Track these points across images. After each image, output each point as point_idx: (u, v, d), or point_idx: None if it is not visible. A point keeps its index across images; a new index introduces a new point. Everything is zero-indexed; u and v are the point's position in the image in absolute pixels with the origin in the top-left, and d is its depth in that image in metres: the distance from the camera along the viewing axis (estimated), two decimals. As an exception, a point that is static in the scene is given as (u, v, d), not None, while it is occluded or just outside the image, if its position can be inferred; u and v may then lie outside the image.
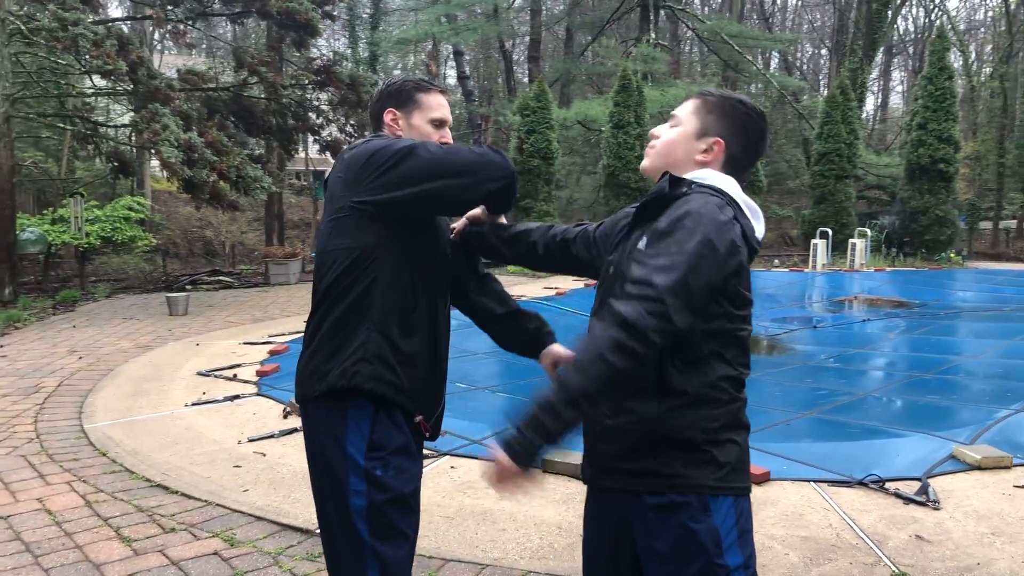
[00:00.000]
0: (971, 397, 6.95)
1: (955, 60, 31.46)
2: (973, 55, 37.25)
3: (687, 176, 1.90)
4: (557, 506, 4.32)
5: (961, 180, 24.35)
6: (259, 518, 4.24)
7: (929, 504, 4.23)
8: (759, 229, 1.90)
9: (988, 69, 34.02)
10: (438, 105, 2.37)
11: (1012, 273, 16.93)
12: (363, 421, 2.14)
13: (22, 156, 16.43)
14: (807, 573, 3.54)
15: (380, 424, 2.15)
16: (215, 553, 3.83)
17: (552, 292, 12.52)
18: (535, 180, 17.38)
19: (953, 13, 37.71)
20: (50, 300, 12.50)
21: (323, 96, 14.42)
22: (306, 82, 13.21)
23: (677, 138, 1.94)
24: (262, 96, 13.43)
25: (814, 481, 4.57)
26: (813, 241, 17.21)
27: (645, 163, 2.01)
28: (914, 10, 40.78)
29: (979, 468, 4.70)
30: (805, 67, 43.42)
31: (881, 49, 33.25)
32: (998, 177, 26.25)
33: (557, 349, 2.44)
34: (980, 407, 6.34)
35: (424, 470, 4.81)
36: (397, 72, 40.51)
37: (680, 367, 1.76)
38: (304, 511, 4.28)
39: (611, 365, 1.62)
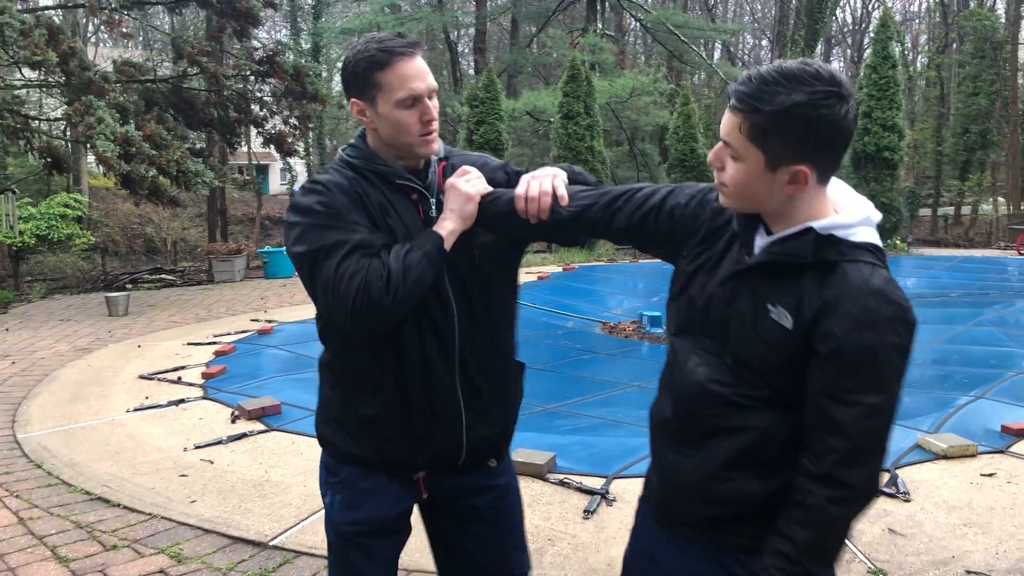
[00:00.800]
0: (929, 384, 6.97)
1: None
2: (909, 45, 38.01)
3: (822, 227, 1.53)
4: (524, 509, 4.15)
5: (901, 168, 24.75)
6: (208, 531, 4.01)
7: (899, 496, 4.16)
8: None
9: (924, 59, 34.77)
10: (403, 80, 1.88)
11: (954, 259, 17.23)
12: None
13: (-52, 152, 15.77)
14: (783, 573, 3.44)
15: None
16: (161, 571, 3.60)
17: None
18: (485, 172, 17.19)
19: (889, 4, 38.42)
20: (-19, 302, 11.98)
21: (266, 87, 14.03)
22: (248, 73, 12.78)
23: (747, 178, 1.53)
24: (203, 88, 12.99)
25: (782, 475, 4.48)
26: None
27: (726, 202, 1.62)
28: (852, 1, 41.50)
29: (945, 457, 4.67)
30: (747, 58, 43.90)
31: (821, 39, 33.68)
32: (936, 165, 26.81)
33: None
34: (940, 394, 6.34)
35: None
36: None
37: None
38: (256, 522, 4.06)
39: (846, 535, 1.57)
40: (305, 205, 1.89)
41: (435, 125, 1.95)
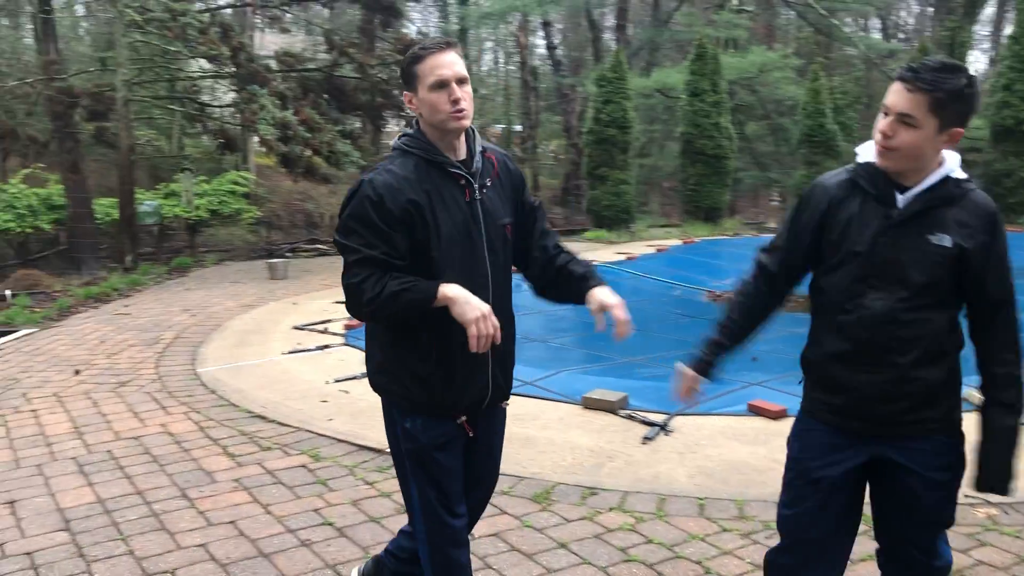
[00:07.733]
0: None
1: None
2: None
3: (952, 174, 2.18)
4: (592, 435, 4.98)
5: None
6: (340, 440, 5.06)
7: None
8: None
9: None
10: (431, 69, 2.29)
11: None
12: None
13: (138, 135, 17.72)
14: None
15: None
16: (303, 466, 4.66)
17: (623, 257, 13.04)
18: (611, 149, 17.50)
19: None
20: (165, 267, 13.66)
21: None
22: (391, 62, 13.99)
23: (921, 141, 2.08)
24: (352, 75, 14.27)
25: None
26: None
27: (886, 164, 2.17)
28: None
29: None
30: (907, 26, 41.94)
31: (995, 3, 31.82)
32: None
33: (602, 295, 2.50)
34: None
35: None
36: (488, 44, 40.95)
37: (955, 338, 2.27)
38: (377, 435, 5.02)
39: None
40: (356, 207, 2.34)
41: (463, 105, 2.33)
